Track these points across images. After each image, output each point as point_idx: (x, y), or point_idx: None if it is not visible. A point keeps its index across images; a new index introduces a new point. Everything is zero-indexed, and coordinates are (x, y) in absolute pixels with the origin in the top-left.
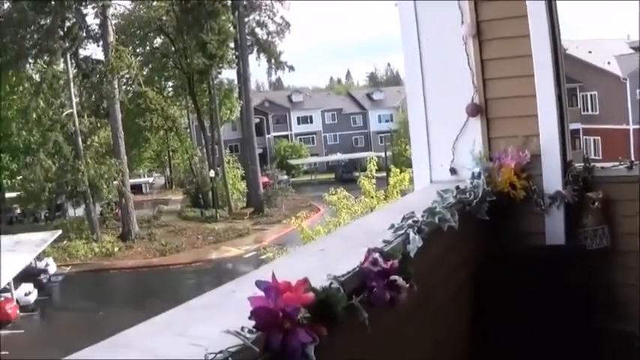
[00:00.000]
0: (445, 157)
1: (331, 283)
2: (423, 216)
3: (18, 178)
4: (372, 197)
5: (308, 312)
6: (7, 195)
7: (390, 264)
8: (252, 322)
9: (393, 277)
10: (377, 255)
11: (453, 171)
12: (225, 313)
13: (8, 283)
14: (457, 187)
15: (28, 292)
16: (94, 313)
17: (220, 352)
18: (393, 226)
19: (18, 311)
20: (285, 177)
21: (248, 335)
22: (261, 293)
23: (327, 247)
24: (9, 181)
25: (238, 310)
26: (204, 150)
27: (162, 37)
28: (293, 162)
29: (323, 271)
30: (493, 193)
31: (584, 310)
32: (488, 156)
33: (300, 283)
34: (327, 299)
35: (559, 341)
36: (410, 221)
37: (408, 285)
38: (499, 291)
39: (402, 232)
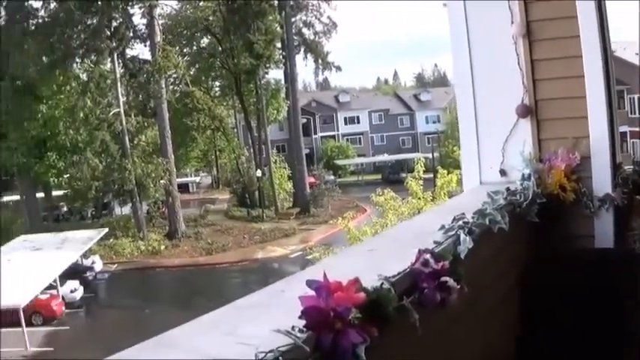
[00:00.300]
0: (495, 158)
1: (382, 284)
2: (473, 217)
3: (65, 176)
4: (420, 198)
5: (359, 312)
6: (55, 193)
7: (440, 265)
8: (302, 322)
9: (443, 279)
10: (428, 256)
11: (502, 172)
12: (275, 312)
13: (54, 280)
14: (507, 189)
15: (73, 289)
16: (139, 310)
17: (271, 351)
18: (443, 227)
19: (63, 308)
20: (332, 177)
21: (299, 335)
22: (311, 293)
23: (375, 248)
24: (56, 180)
25: (288, 309)
26: (251, 150)
27: (209, 37)
28: (340, 162)
29: (372, 271)
30: (543, 195)
31: (632, 314)
32: (538, 157)
33: (351, 283)
34: (378, 300)
35: (607, 344)
36: (460, 222)
37: (458, 286)
38: (548, 293)
39: (453, 233)
